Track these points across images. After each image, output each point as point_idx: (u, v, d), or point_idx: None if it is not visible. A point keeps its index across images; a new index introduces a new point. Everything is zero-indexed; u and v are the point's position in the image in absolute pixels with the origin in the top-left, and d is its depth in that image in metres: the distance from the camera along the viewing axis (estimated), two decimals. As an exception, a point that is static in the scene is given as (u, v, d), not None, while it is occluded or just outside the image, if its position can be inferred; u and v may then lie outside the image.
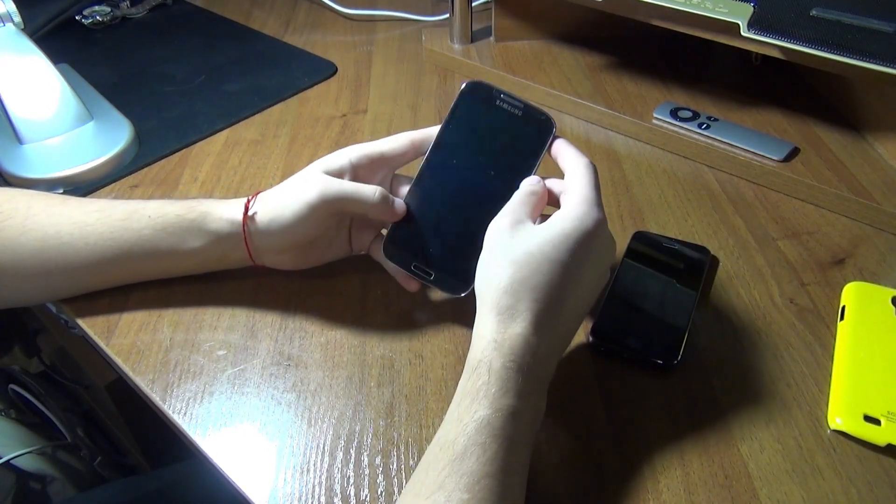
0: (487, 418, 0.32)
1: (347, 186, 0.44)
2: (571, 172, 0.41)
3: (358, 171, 0.46)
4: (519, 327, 0.35)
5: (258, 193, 0.46)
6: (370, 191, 0.44)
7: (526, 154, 0.43)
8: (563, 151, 0.42)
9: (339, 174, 0.45)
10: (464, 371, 0.36)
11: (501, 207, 0.41)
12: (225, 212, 0.45)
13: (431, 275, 0.44)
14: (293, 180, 0.45)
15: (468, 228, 0.43)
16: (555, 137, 0.43)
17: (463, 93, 0.44)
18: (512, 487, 0.32)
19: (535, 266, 0.36)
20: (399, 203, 0.45)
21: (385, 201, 0.44)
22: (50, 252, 0.45)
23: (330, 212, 0.44)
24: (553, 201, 0.42)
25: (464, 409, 0.33)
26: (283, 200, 0.44)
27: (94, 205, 0.47)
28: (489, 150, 0.44)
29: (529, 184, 0.42)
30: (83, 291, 0.49)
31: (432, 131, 0.46)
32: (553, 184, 0.42)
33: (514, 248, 0.37)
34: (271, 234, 0.45)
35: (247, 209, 0.45)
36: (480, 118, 0.44)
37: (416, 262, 0.44)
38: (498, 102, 0.43)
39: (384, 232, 0.48)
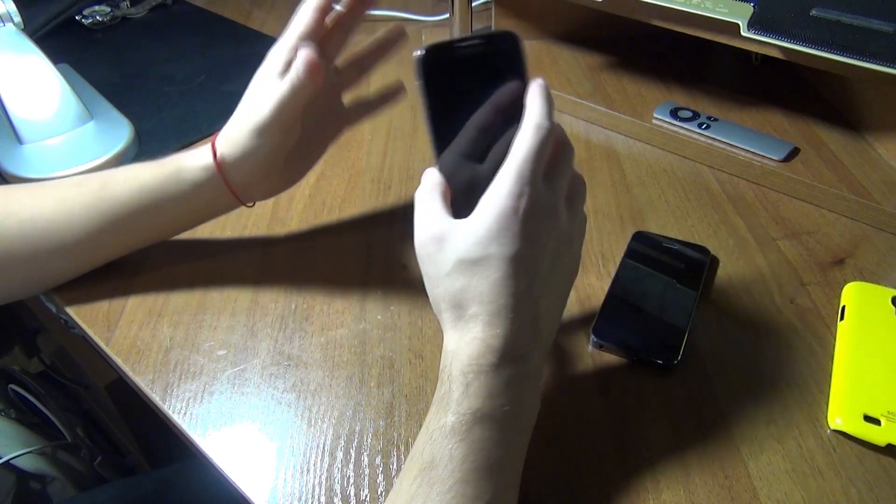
0: (451, 424, 0.32)
1: (282, 99, 0.44)
2: (519, 134, 0.35)
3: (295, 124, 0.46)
4: (472, 333, 0.34)
5: (216, 134, 0.47)
6: (289, 86, 0.43)
7: (513, 81, 0.38)
8: (528, 101, 0.36)
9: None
10: None
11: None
12: (196, 160, 0.46)
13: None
14: (247, 106, 0.46)
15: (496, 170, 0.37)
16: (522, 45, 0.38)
17: (422, 62, 0.38)
18: (493, 488, 0.32)
19: (468, 271, 0.34)
20: (301, 59, 0.43)
21: (299, 78, 0.43)
22: (37, 232, 0.45)
23: (288, 121, 0.45)
24: None
25: (430, 417, 0.34)
26: (243, 136, 0.45)
27: (72, 180, 0.48)
28: (479, 98, 0.38)
29: (426, 183, 0.37)
30: (77, 273, 0.49)
31: (304, 15, 0.45)
32: None
33: (446, 260, 0.35)
34: (245, 165, 0.46)
35: (214, 152, 0.46)
36: (453, 76, 0.38)
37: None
38: (457, 52, 0.38)
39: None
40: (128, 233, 0.48)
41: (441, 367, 0.35)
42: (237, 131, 0.46)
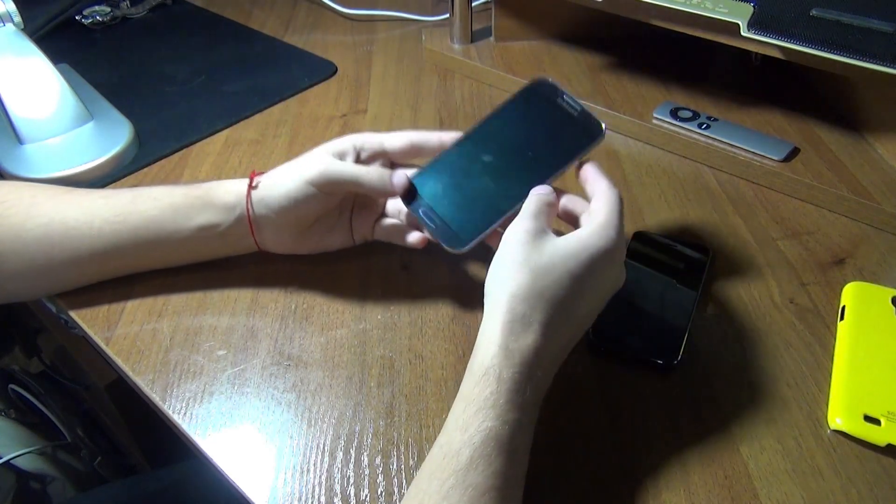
0: (495, 430, 0.32)
1: (346, 167, 0.45)
2: (599, 196, 0.40)
3: (360, 156, 0.47)
4: (531, 338, 0.34)
5: (262, 173, 0.47)
6: (365, 171, 0.45)
7: (567, 151, 0.44)
8: (591, 176, 0.42)
9: (342, 155, 0.47)
10: (467, 374, 0.35)
11: (522, 190, 0.42)
12: (231, 186, 0.47)
13: (436, 224, 0.45)
14: (298, 159, 0.47)
15: (486, 196, 0.45)
16: (599, 143, 0.44)
17: (529, 84, 0.47)
18: (513, 499, 0.32)
19: (553, 277, 0.36)
20: (398, 176, 0.45)
21: (382, 180, 0.45)
22: (55, 238, 0.45)
23: (329, 190, 0.45)
24: (570, 219, 0.43)
25: (469, 417, 0.33)
26: (284, 175, 0.46)
27: (100, 192, 0.48)
28: (536, 136, 0.46)
29: (544, 193, 0.41)
30: (88, 281, 0.49)
31: (433, 136, 0.47)
32: (573, 201, 0.42)
33: (534, 256, 0.36)
34: (271, 208, 0.46)
35: (251, 180, 0.46)
36: (538, 108, 0.46)
37: (426, 207, 0.46)
38: (558, 100, 0.45)
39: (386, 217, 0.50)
40: (142, 252, 0.47)
41: (485, 362, 0.34)
42: (286, 172, 0.46)
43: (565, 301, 0.36)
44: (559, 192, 0.43)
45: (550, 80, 0.46)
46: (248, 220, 0.46)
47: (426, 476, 0.33)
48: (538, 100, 0.46)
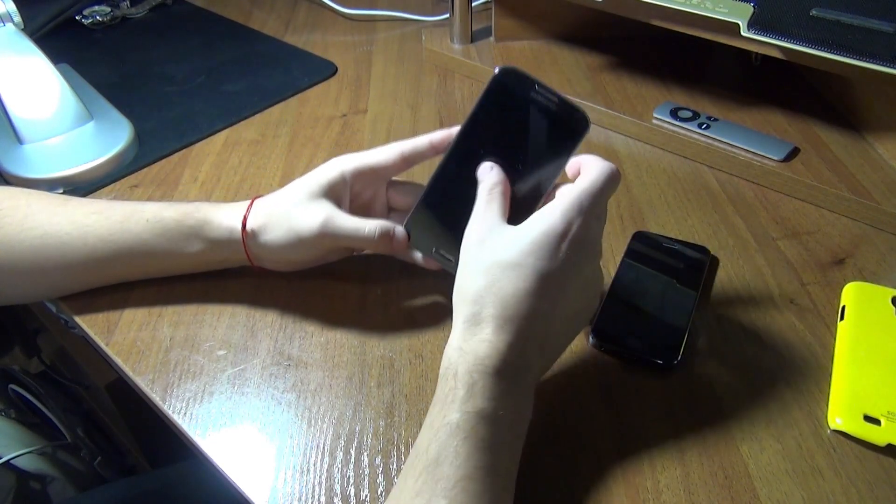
0: (457, 422, 0.32)
1: (347, 225, 0.44)
2: (584, 171, 0.38)
3: (353, 186, 0.46)
4: (483, 333, 0.35)
5: (255, 199, 0.47)
6: (370, 229, 0.44)
7: (556, 150, 0.41)
8: (585, 159, 0.40)
9: (337, 192, 0.45)
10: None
11: (523, 203, 0.41)
12: (224, 220, 0.46)
13: (452, 260, 0.44)
14: (293, 202, 0.45)
15: None
16: (586, 135, 0.41)
17: (496, 79, 0.42)
18: (493, 488, 0.32)
19: (499, 272, 0.35)
20: (399, 233, 0.45)
21: (385, 239, 0.44)
22: (48, 250, 0.45)
23: (326, 247, 0.46)
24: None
25: (435, 415, 0.34)
26: (281, 224, 0.45)
27: (94, 206, 0.47)
28: (518, 143, 0.42)
29: (484, 180, 0.40)
30: (81, 289, 0.49)
31: (422, 141, 0.46)
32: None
33: (482, 258, 0.36)
34: (269, 249, 0.46)
35: (245, 223, 0.45)
36: (512, 108, 0.42)
37: (437, 246, 0.44)
38: (532, 94, 0.41)
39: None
40: (136, 266, 0.48)
41: (445, 364, 0.35)
42: (281, 221, 0.45)
43: (521, 293, 0.35)
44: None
45: (518, 69, 0.42)
46: (248, 257, 0.47)
47: (402, 477, 0.33)
48: (511, 97, 0.42)
